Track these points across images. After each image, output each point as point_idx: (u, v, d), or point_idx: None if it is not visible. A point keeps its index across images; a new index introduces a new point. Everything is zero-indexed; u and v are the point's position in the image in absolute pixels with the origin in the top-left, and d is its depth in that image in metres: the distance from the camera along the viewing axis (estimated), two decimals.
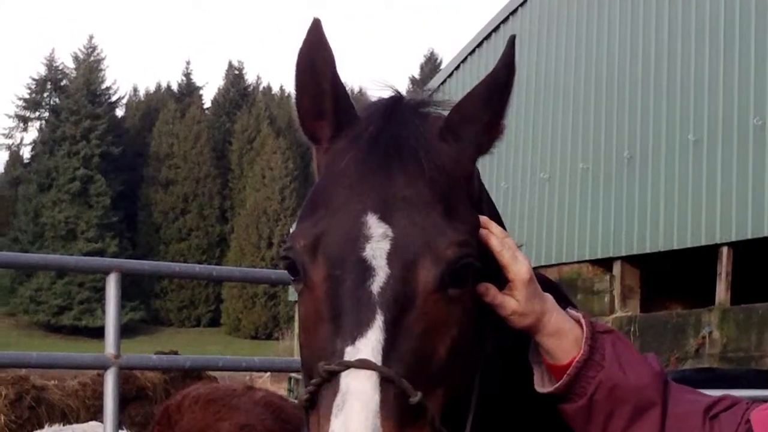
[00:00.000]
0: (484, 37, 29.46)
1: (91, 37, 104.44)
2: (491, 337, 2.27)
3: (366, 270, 2.08)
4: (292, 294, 35.27)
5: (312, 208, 2.21)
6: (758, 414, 2.35)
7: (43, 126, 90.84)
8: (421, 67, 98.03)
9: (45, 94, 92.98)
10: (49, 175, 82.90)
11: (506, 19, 28.75)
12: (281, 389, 28.21)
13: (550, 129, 27.07)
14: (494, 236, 2.28)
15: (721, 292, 21.62)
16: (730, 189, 21.55)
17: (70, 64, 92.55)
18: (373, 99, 2.37)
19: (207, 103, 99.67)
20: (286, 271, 2.27)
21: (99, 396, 11.09)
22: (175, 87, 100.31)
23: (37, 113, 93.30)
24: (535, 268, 2.33)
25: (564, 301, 2.43)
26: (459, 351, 2.13)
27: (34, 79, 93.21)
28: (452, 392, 2.13)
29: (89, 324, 73.81)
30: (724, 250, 21.67)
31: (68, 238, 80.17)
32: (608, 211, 24.94)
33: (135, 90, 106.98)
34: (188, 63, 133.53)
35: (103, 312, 5.88)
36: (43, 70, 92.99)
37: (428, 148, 2.21)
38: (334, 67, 2.27)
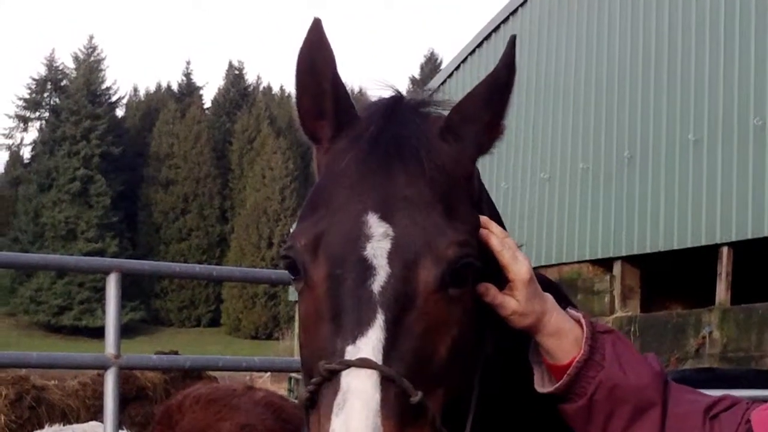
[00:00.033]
0: (484, 37, 29.46)
1: (92, 37, 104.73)
2: (491, 337, 2.28)
3: (367, 269, 2.08)
4: (293, 294, 35.28)
5: (312, 208, 2.21)
6: (758, 414, 2.35)
7: (44, 126, 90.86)
8: (422, 67, 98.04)
9: (45, 94, 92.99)
10: (50, 175, 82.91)
11: (506, 19, 28.75)
12: (281, 389, 28.21)
13: (551, 129, 27.07)
14: (494, 236, 2.28)
15: (722, 292, 21.62)
16: (731, 189, 21.55)
17: (71, 64, 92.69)
18: (374, 99, 2.37)
19: (207, 103, 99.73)
20: (286, 271, 2.27)
21: (99, 396, 11.08)
22: (175, 87, 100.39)
23: (38, 113, 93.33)
24: (535, 268, 2.33)
25: (564, 301, 2.43)
26: (459, 351, 2.13)
27: (34, 79, 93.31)
28: (452, 392, 2.13)
29: (89, 324, 73.82)
30: (725, 250, 21.67)
31: (68, 238, 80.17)
32: (608, 211, 24.94)
33: (135, 90, 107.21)
34: (188, 63, 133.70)
35: (103, 312, 5.88)
36: (43, 70, 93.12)
37: (429, 148, 2.22)
38: (335, 67, 2.27)
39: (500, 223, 2.36)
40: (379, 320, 2.03)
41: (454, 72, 30.68)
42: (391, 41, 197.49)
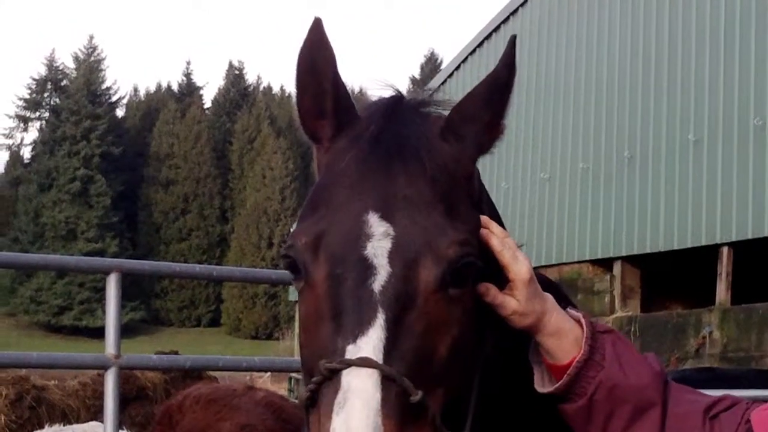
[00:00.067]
0: (484, 37, 29.47)
1: (92, 37, 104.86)
2: (491, 337, 2.28)
3: (367, 268, 2.08)
4: (293, 294, 35.28)
5: (313, 207, 2.21)
6: (758, 414, 2.35)
7: (44, 126, 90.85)
8: (422, 67, 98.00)
9: (45, 94, 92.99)
10: (50, 175, 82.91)
11: (507, 19, 28.75)
12: (281, 389, 28.20)
13: (551, 129, 27.07)
14: (495, 236, 2.28)
15: (722, 292, 21.62)
16: (731, 189, 21.55)
17: (71, 64, 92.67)
18: (374, 98, 2.38)
19: (207, 103, 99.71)
20: (286, 271, 2.27)
21: (99, 396, 11.09)
22: (175, 87, 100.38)
23: (38, 113, 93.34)
24: (535, 268, 2.33)
25: (564, 301, 2.43)
26: (459, 350, 2.13)
27: (34, 79, 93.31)
28: (452, 392, 2.13)
29: (89, 324, 73.81)
30: (725, 250, 21.67)
31: (68, 238, 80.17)
32: (608, 211, 24.94)
33: (135, 90, 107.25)
34: (188, 63, 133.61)
35: (104, 312, 5.88)
36: (43, 70, 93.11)
37: (429, 148, 2.22)
38: (335, 67, 2.27)
39: (500, 223, 2.37)
40: (380, 319, 2.03)
41: (455, 72, 30.69)
42: (392, 41, 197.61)
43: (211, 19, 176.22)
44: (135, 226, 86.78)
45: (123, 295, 5.59)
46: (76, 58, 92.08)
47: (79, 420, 13.34)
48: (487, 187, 2.45)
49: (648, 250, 23.77)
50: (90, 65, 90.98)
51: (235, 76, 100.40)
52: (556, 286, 2.52)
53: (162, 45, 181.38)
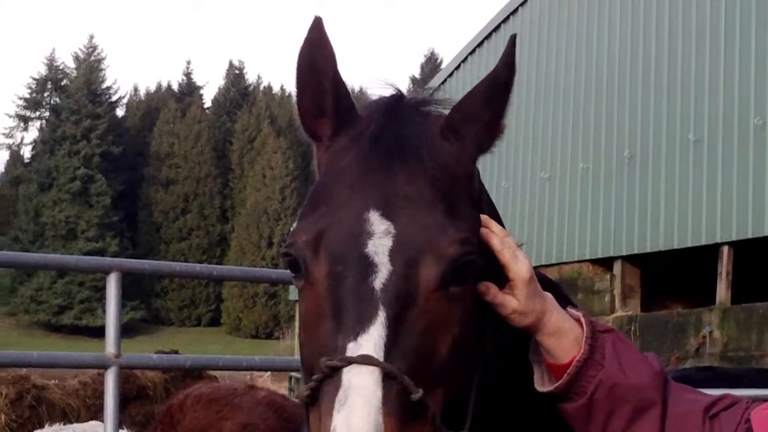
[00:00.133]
0: (484, 36, 29.46)
1: (92, 37, 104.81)
2: (491, 336, 2.28)
3: (368, 266, 2.08)
4: (293, 293, 35.28)
5: (313, 206, 2.21)
6: (758, 413, 2.35)
7: (44, 125, 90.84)
8: (422, 67, 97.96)
9: (45, 94, 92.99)
10: (50, 174, 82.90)
11: (507, 19, 28.75)
12: (282, 389, 28.20)
13: (551, 128, 27.07)
14: (495, 235, 2.28)
15: (722, 291, 21.61)
16: (731, 188, 21.55)
17: (71, 64, 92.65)
18: (374, 97, 2.38)
19: (207, 102, 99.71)
20: (286, 271, 2.27)
21: (99, 395, 11.09)
22: (175, 86, 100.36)
23: (38, 113, 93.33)
24: (535, 268, 2.33)
25: (564, 301, 2.43)
26: (460, 349, 2.13)
27: (34, 79, 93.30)
28: (452, 390, 2.13)
29: (90, 323, 73.80)
30: (725, 249, 21.67)
31: (69, 238, 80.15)
32: (609, 210, 24.94)
33: (135, 89, 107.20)
34: (189, 63, 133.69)
35: (104, 311, 5.89)
36: (43, 70, 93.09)
37: (430, 147, 2.22)
38: (335, 66, 2.27)
39: (500, 223, 2.37)
40: (381, 317, 2.03)
41: (455, 71, 30.68)
42: (392, 41, 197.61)
43: (211, 19, 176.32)
44: (135, 226, 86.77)
45: (123, 295, 5.60)
46: (76, 58, 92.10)
47: (79, 419, 13.34)
48: (487, 187, 2.45)
49: (648, 250, 23.76)
50: (90, 65, 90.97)
51: (235, 76, 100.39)
52: (555, 285, 2.53)
53: (162, 45, 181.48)
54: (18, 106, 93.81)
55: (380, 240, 2.11)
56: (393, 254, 2.10)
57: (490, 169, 26.58)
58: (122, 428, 6.32)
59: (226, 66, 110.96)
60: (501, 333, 2.30)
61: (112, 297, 5.51)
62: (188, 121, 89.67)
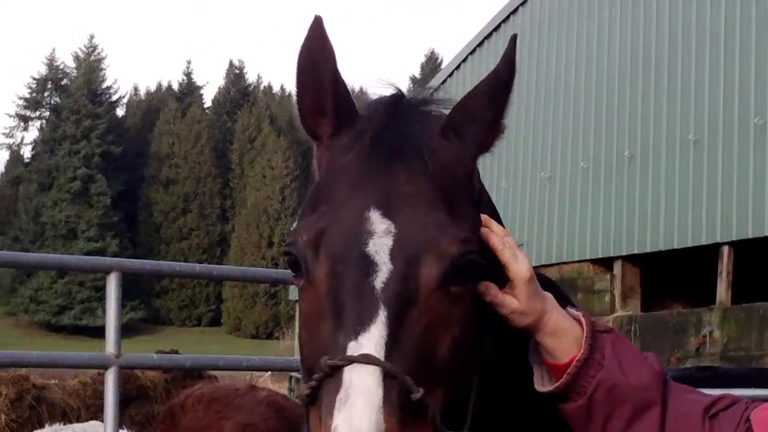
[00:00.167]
0: (485, 36, 29.44)
1: (92, 37, 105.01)
2: (491, 336, 2.28)
3: (369, 265, 2.08)
4: (293, 293, 35.27)
5: (314, 205, 2.21)
6: (758, 413, 2.35)
7: (44, 125, 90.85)
8: (422, 67, 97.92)
9: (46, 94, 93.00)
10: (50, 174, 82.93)
11: (507, 19, 28.74)
12: (282, 389, 28.18)
13: (551, 128, 27.06)
14: (495, 235, 2.28)
15: (722, 291, 21.62)
16: (731, 188, 21.55)
17: (71, 64, 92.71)
18: (375, 97, 2.38)
19: (208, 102, 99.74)
20: (286, 271, 2.27)
21: (99, 395, 11.08)
22: (175, 86, 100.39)
23: (38, 112, 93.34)
24: (535, 268, 2.33)
25: (564, 301, 2.43)
26: (460, 349, 2.13)
27: (34, 79, 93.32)
28: (453, 390, 2.13)
29: (90, 323, 73.80)
30: (725, 249, 21.67)
31: (69, 238, 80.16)
32: (609, 210, 24.94)
33: (136, 89, 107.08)
34: (189, 62, 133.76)
35: (104, 311, 5.89)
36: (43, 70, 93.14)
37: (431, 146, 2.22)
38: (335, 65, 2.27)
39: (500, 223, 2.37)
40: (382, 316, 2.03)
41: (455, 71, 30.66)
42: (392, 40, 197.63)
43: (211, 19, 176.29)
44: (135, 226, 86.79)
45: (123, 295, 5.60)
46: (77, 58, 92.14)
47: (79, 419, 13.35)
48: (487, 187, 2.45)
49: (648, 250, 23.76)
50: (90, 64, 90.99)
51: (235, 76, 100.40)
52: (555, 285, 2.52)
53: (162, 44, 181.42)
54: (18, 105, 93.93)
55: (381, 239, 2.11)
56: (394, 253, 2.09)
57: (490, 169, 26.56)
58: (122, 428, 6.32)
59: (227, 66, 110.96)
60: (500, 333, 2.30)
61: (112, 297, 5.51)
62: (188, 121, 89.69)
